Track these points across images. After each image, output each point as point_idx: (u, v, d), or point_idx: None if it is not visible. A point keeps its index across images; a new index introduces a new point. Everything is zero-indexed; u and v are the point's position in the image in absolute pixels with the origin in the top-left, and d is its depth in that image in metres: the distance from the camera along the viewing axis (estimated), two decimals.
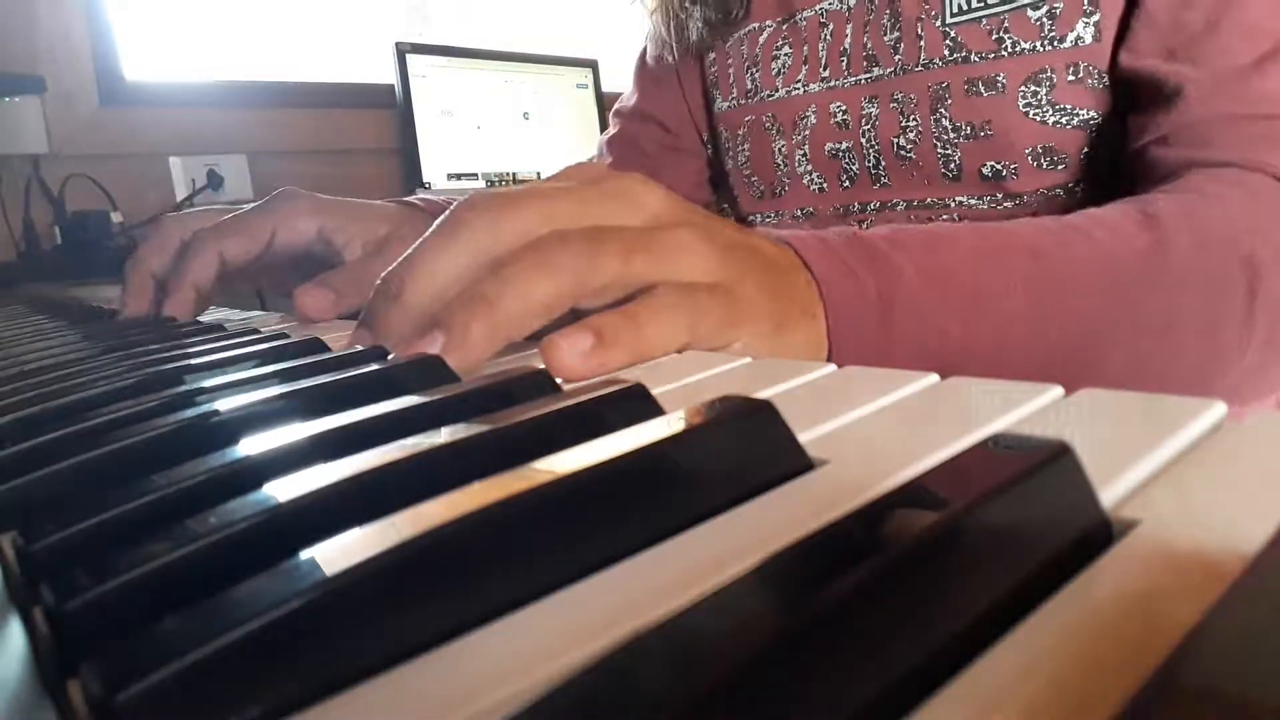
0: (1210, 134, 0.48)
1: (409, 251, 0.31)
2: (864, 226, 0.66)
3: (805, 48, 0.68)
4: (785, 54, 0.69)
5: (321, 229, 0.53)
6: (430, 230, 0.31)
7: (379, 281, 0.32)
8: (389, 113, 1.76)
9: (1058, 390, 0.19)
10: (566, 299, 0.29)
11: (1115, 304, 0.38)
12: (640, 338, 0.28)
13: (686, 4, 0.73)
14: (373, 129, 1.78)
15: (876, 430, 0.19)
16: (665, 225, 0.32)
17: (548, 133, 1.92)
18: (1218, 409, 0.17)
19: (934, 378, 0.22)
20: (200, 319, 0.53)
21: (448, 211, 0.31)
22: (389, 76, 1.72)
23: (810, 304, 0.34)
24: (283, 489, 0.15)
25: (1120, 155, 0.54)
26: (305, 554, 0.12)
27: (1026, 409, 0.19)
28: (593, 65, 2.01)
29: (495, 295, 0.28)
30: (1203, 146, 0.48)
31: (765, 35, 0.70)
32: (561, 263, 0.29)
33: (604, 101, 1.98)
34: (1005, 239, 0.39)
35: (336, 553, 0.12)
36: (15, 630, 0.13)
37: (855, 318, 0.34)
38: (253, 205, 0.54)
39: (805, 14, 0.68)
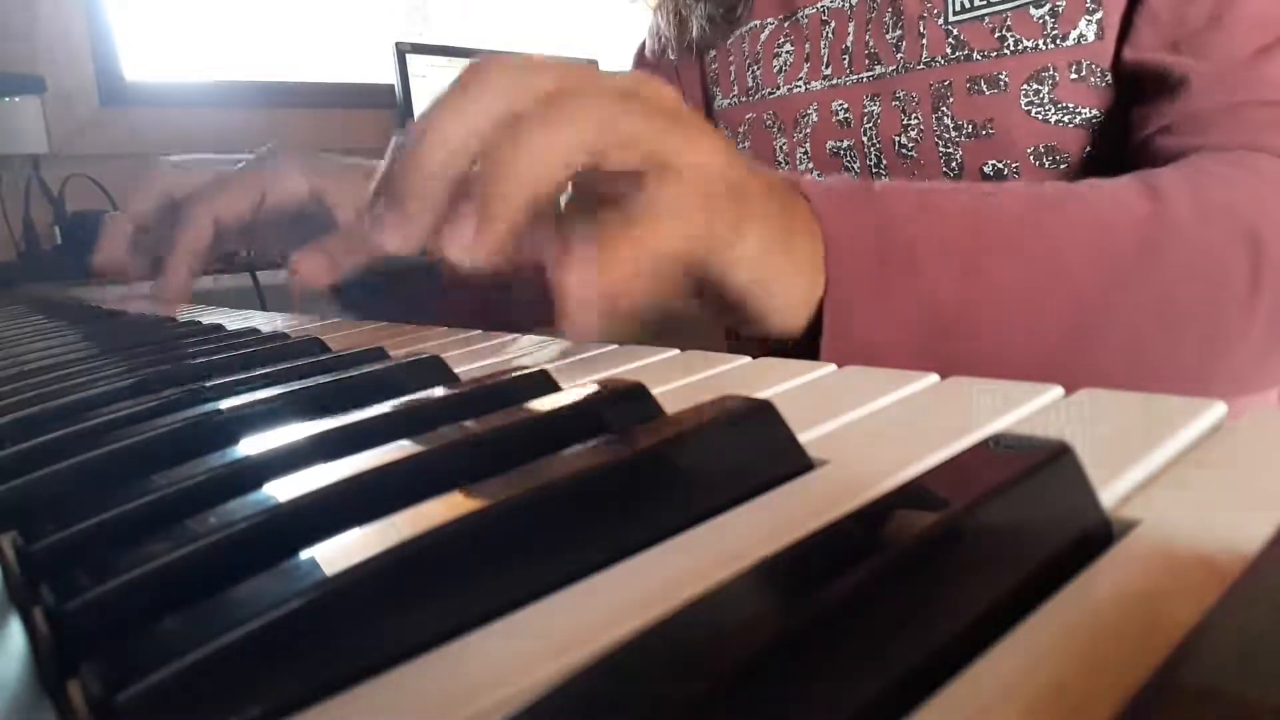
0: (1213, 122, 0.48)
1: (425, 110, 0.30)
2: None
3: (807, 45, 0.68)
4: (787, 52, 0.69)
5: (313, 188, 0.53)
6: (446, 89, 0.30)
7: (395, 141, 0.31)
8: (389, 113, 1.76)
9: (1058, 390, 0.20)
10: (592, 147, 0.28)
11: (1112, 270, 0.38)
12: (657, 234, 0.28)
13: (686, 13, 0.73)
14: (373, 129, 1.78)
15: (876, 430, 0.19)
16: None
17: None
18: (1217, 409, 0.17)
19: (934, 378, 0.22)
20: (200, 319, 0.53)
21: (463, 68, 0.30)
22: (389, 76, 1.72)
23: (810, 224, 0.35)
24: (283, 489, 0.15)
25: (1124, 149, 0.54)
26: (305, 554, 0.12)
27: (1026, 409, 0.19)
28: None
29: (519, 145, 0.27)
30: (1206, 134, 0.48)
31: (767, 33, 0.70)
32: (587, 112, 0.28)
33: None
34: (1000, 194, 0.39)
35: (336, 553, 0.12)
36: (15, 630, 0.13)
37: (852, 244, 0.35)
38: (243, 163, 0.54)
39: (807, 12, 0.67)
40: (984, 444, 0.14)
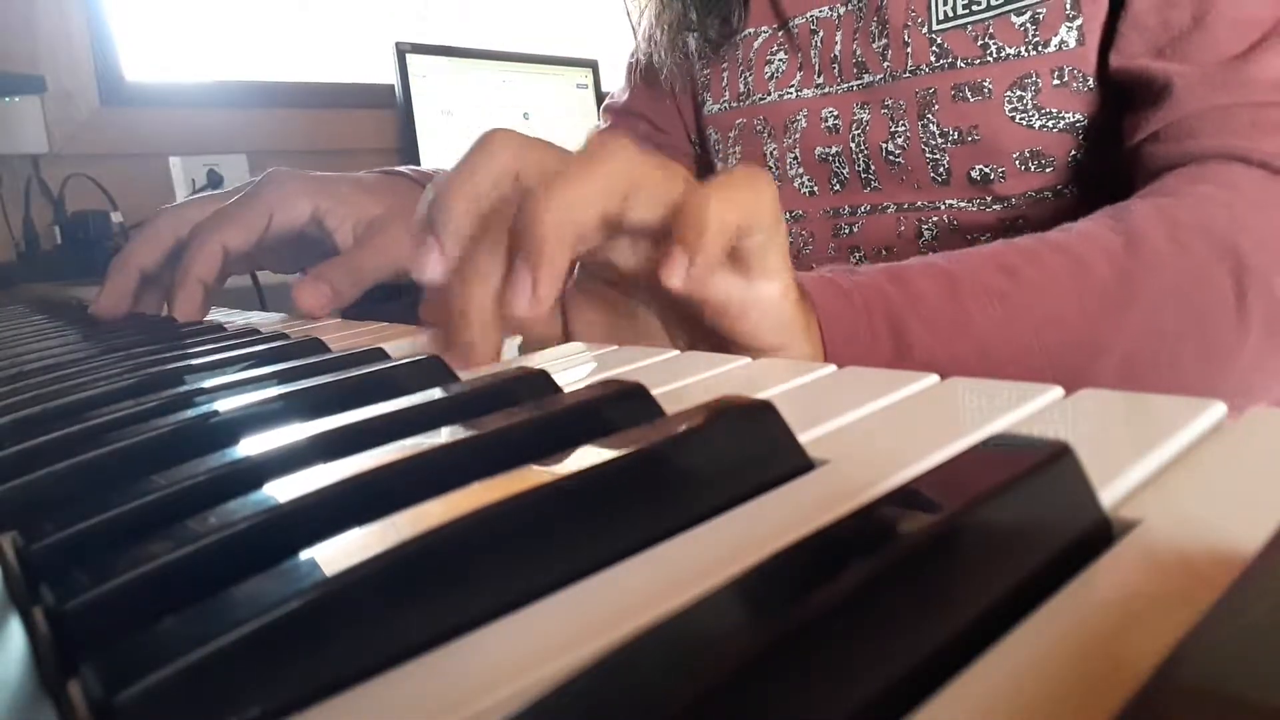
0: (1197, 127, 0.48)
1: (444, 176, 0.31)
2: (853, 230, 0.66)
3: (800, 55, 0.68)
4: (780, 59, 0.69)
5: (315, 211, 0.53)
6: (461, 157, 0.31)
7: (424, 203, 0.31)
8: (389, 113, 1.76)
9: (1058, 390, 0.19)
10: (622, 194, 0.28)
11: (1096, 306, 0.39)
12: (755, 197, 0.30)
13: (684, 32, 0.74)
14: (373, 129, 1.78)
15: (876, 430, 0.19)
16: None
17: (548, 133, 1.91)
18: (1217, 409, 0.17)
19: (934, 378, 0.22)
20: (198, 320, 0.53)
21: (479, 138, 0.31)
22: (389, 76, 1.72)
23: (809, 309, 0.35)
24: (283, 489, 0.15)
25: (1110, 156, 0.54)
26: (305, 554, 0.12)
27: (1026, 409, 0.19)
28: (593, 65, 2.01)
29: (553, 194, 0.27)
30: (1192, 139, 0.48)
31: (760, 41, 0.71)
32: (614, 165, 0.28)
33: (604, 101, 1.98)
34: (975, 253, 0.39)
35: (336, 553, 0.12)
36: (15, 630, 0.13)
37: (843, 323, 0.35)
38: (245, 190, 0.54)
39: (797, 21, 0.68)
40: (984, 444, 0.14)
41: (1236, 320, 0.41)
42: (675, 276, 0.28)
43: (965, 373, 0.35)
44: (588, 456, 0.15)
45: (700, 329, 0.34)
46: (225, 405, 0.22)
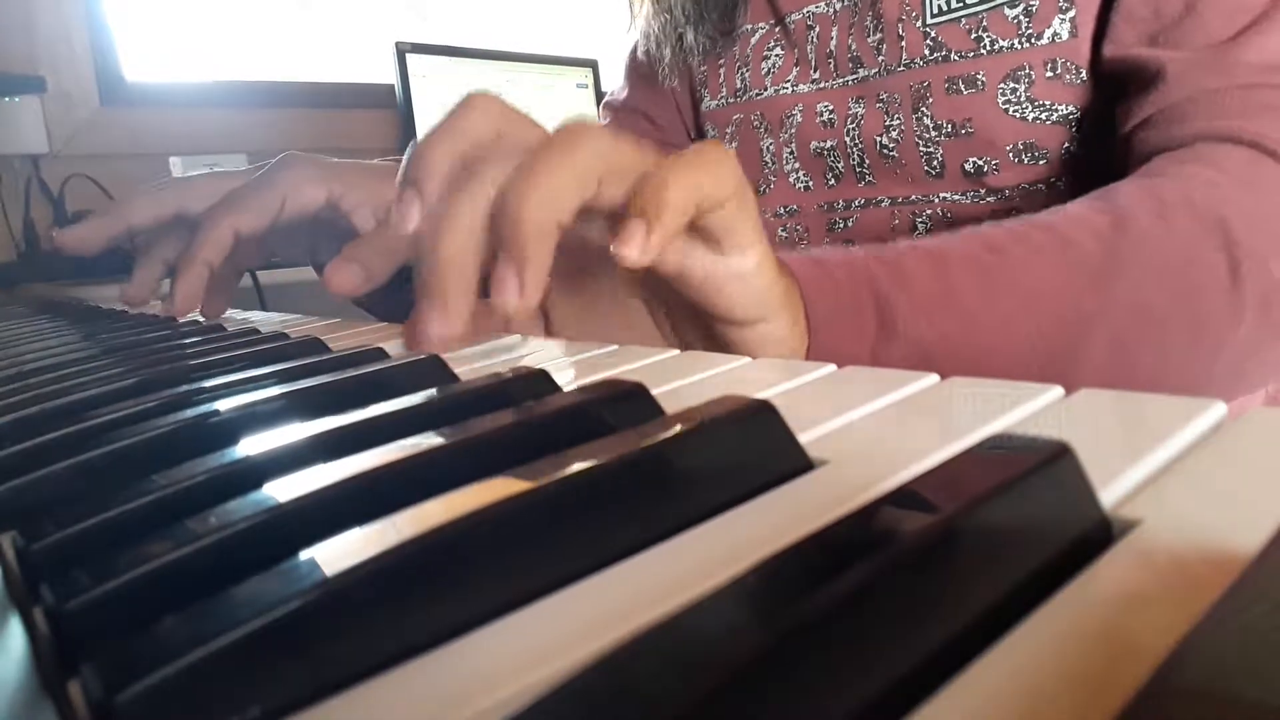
0: (1188, 111, 0.48)
1: (425, 135, 0.31)
2: (848, 224, 0.67)
3: (796, 50, 0.68)
4: (776, 55, 0.70)
5: (329, 195, 0.53)
6: (443, 118, 0.32)
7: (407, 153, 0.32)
8: (389, 113, 1.76)
9: (1058, 390, 0.20)
10: (597, 175, 0.29)
11: (1084, 283, 0.39)
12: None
13: (682, 29, 0.74)
14: (373, 129, 1.78)
15: (876, 430, 0.19)
16: None
17: None
18: (1217, 409, 0.17)
19: (934, 378, 0.22)
20: (200, 319, 0.53)
21: (460, 100, 0.32)
22: (389, 76, 1.72)
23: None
24: (283, 489, 0.15)
25: (1104, 149, 0.55)
26: (305, 554, 0.12)
27: (1026, 409, 0.19)
28: (593, 65, 2.01)
29: (530, 187, 0.28)
30: (1180, 124, 0.48)
31: (757, 37, 0.71)
32: (583, 146, 0.29)
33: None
34: (962, 235, 0.39)
35: (336, 553, 0.12)
36: (15, 630, 0.13)
37: (830, 300, 0.35)
38: (258, 173, 0.53)
39: (794, 17, 0.68)
40: (984, 444, 0.14)
41: (1230, 299, 0.41)
42: (631, 247, 0.27)
43: (952, 349, 0.36)
44: (588, 456, 0.15)
45: (683, 310, 0.34)
46: (225, 405, 0.22)
